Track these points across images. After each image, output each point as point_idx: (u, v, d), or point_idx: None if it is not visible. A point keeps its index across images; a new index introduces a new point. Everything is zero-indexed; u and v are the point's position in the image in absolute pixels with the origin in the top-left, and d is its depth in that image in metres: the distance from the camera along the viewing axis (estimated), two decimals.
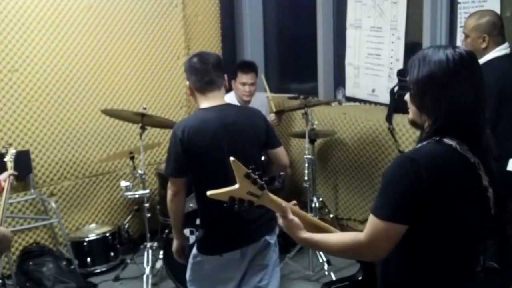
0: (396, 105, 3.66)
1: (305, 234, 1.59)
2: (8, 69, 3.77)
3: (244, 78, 3.88)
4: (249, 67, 3.95)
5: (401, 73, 3.69)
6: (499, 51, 2.73)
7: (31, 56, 3.85)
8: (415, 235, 1.45)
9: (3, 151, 3.17)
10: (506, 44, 2.77)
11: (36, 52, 3.86)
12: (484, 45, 2.73)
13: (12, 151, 3.02)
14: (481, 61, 2.54)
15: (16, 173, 2.87)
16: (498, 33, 2.74)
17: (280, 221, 1.64)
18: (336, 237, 1.59)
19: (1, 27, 3.71)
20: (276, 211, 1.64)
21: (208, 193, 1.54)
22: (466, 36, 2.80)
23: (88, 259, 3.92)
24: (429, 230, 1.45)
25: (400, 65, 3.88)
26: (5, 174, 2.80)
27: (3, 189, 2.71)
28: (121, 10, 4.21)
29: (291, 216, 1.60)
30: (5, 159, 2.98)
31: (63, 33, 3.95)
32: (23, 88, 3.84)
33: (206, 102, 2.45)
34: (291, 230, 1.61)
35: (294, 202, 1.69)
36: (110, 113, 3.91)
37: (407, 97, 1.55)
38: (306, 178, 3.78)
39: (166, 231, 3.46)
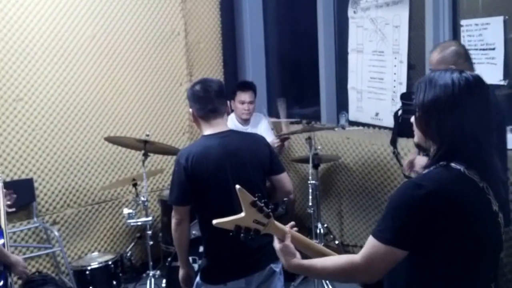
0: (400, 129, 3.63)
1: (296, 261, 1.57)
2: (13, 98, 3.79)
3: (242, 96, 4.05)
4: (247, 86, 4.15)
5: (405, 97, 3.68)
6: None
7: (35, 85, 3.87)
8: (425, 263, 1.42)
9: None
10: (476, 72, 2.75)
11: (41, 82, 3.89)
12: None
13: None
14: None
15: None
16: (464, 61, 2.70)
17: (275, 243, 1.60)
18: (329, 260, 1.56)
19: (6, 57, 3.74)
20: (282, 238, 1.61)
21: (214, 222, 1.52)
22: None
23: None
24: (439, 257, 1.42)
25: (403, 89, 3.87)
26: None
27: None
28: (124, 39, 4.24)
29: (288, 242, 1.58)
30: None
31: (67, 62, 3.98)
32: (27, 117, 3.86)
33: (210, 129, 2.45)
34: (282, 256, 1.58)
35: (292, 223, 1.66)
36: (113, 140, 3.91)
37: (413, 119, 1.54)
38: (310, 203, 3.74)
39: (169, 259, 3.41)
